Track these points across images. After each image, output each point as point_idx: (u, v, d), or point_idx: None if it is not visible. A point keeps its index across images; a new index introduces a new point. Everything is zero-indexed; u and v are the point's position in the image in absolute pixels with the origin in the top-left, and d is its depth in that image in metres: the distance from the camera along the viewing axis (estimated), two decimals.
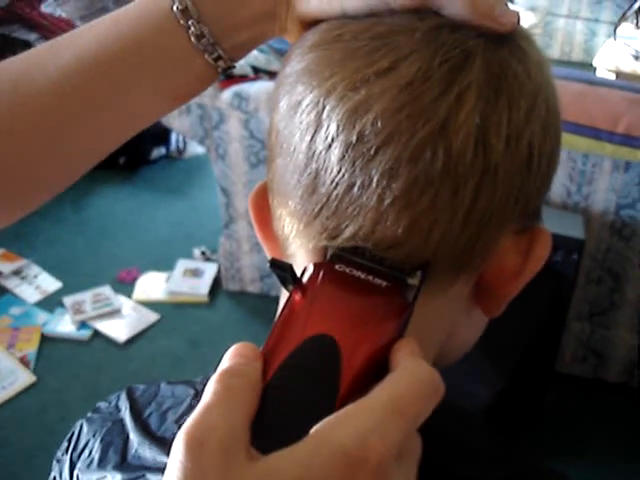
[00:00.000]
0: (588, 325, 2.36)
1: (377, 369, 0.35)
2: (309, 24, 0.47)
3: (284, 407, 0.34)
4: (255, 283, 2.81)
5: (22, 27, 3.47)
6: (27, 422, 2.29)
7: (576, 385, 2.42)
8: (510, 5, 0.46)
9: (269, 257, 0.51)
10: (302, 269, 0.41)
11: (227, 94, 2.40)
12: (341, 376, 0.34)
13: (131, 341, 2.60)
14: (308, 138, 0.42)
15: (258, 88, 2.41)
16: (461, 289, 0.45)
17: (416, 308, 0.41)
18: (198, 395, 0.51)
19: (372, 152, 0.40)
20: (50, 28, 3.46)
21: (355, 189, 0.40)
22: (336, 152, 0.41)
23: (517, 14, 0.43)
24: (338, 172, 0.41)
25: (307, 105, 0.42)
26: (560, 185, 2.14)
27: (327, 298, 0.38)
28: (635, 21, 4.03)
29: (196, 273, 2.94)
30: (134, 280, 2.90)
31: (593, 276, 2.27)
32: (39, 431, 2.25)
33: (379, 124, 0.39)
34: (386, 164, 0.39)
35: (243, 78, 2.49)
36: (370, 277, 0.39)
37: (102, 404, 0.56)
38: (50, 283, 2.87)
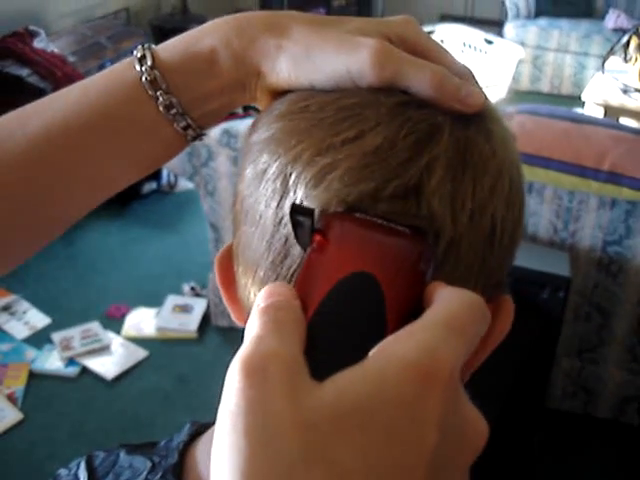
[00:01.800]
0: (577, 361, 2.36)
1: (415, 309, 0.35)
2: (278, 94, 0.47)
3: (334, 340, 0.33)
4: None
5: (14, 62, 3.49)
6: (14, 460, 2.27)
7: (566, 421, 2.41)
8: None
9: (234, 320, 0.51)
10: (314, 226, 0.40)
11: (216, 131, 2.42)
12: (386, 311, 0.34)
13: (119, 378, 2.59)
14: (274, 205, 0.42)
15: (247, 125, 2.41)
16: None
17: None
18: (155, 467, 0.50)
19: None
20: (42, 63, 3.48)
21: None
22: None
23: (483, 95, 0.44)
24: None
25: (273, 173, 0.42)
26: (547, 222, 2.15)
27: (356, 239, 0.37)
28: (623, 55, 4.08)
29: (185, 309, 2.93)
30: (123, 316, 2.90)
31: (581, 312, 2.27)
32: (26, 469, 2.23)
33: (346, 179, 0.39)
34: None
35: (232, 115, 2.50)
36: (392, 224, 0.38)
37: (63, 471, 0.55)
38: (39, 319, 2.86)
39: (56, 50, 3.66)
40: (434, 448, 0.30)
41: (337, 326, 0.34)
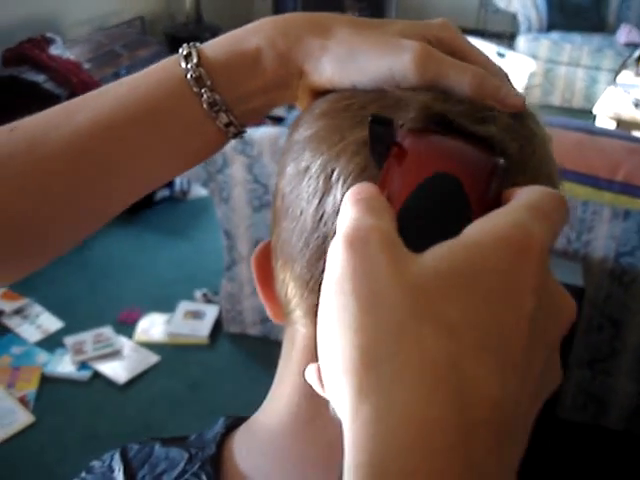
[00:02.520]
0: (589, 372, 2.36)
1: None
2: (319, 93, 0.48)
3: (424, 227, 0.35)
4: (256, 326, 2.82)
5: (31, 68, 3.52)
6: (25, 463, 2.28)
7: (577, 431, 2.40)
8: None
9: (270, 317, 0.51)
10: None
11: None
12: (471, 207, 0.36)
13: (131, 383, 2.60)
14: (316, 202, 0.43)
15: (262, 133, 2.44)
16: None
17: None
18: (192, 459, 0.50)
19: None
20: (58, 70, 3.51)
21: None
22: None
23: (523, 97, 0.45)
24: None
25: (315, 170, 0.43)
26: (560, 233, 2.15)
27: (434, 147, 0.39)
28: (635, 69, 4.09)
29: (197, 315, 2.94)
30: (135, 321, 2.91)
31: (593, 323, 2.27)
32: (37, 472, 2.24)
33: None
34: None
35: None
36: (463, 138, 0.40)
37: (96, 463, 0.56)
38: (51, 323, 2.88)
39: (72, 57, 3.69)
40: (531, 312, 0.31)
41: (426, 218, 0.35)
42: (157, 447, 0.53)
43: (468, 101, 0.43)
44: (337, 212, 0.41)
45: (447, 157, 0.38)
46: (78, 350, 2.70)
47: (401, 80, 0.45)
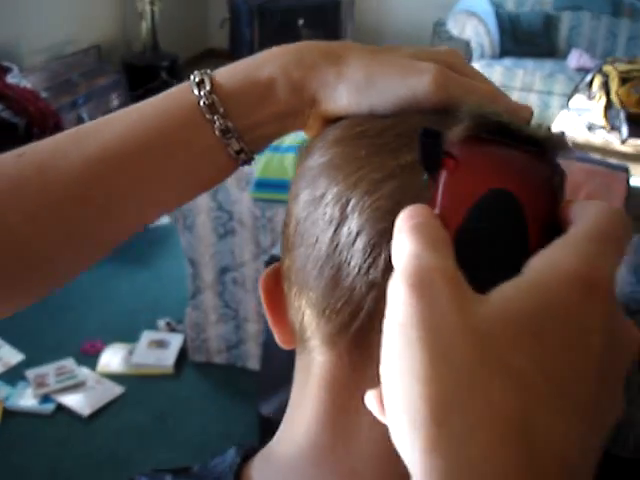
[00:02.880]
0: None
1: (552, 225, 0.36)
2: (330, 120, 0.48)
3: (483, 255, 0.34)
4: (221, 354, 2.80)
5: None
6: None
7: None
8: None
9: (279, 343, 0.51)
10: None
11: None
12: (528, 226, 0.35)
13: (96, 415, 2.55)
14: (331, 230, 0.42)
15: None
16: None
17: None
18: None
19: None
20: (16, 99, 3.47)
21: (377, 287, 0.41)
22: (360, 246, 0.41)
23: (530, 109, 0.46)
24: (360, 268, 0.41)
25: (331, 198, 0.43)
26: None
27: (488, 159, 0.38)
28: (587, 93, 4.19)
29: (161, 344, 2.91)
30: (98, 352, 2.86)
31: None
32: None
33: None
34: None
35: None
36: (517, 144, 0.39)
37: None
38: (12, 355, 2.82)
39: (29, 86, 3.65)
40: (601, 353, 0.31)
41: (483, 242, 0.35)
42: (169, 478, 0.52)
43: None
44: (352, 242, 0.41)
45: (502, 170, 0.37)
46: (40, 383, 2.65)
47: (422, 101, 0.45)
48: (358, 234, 0.41)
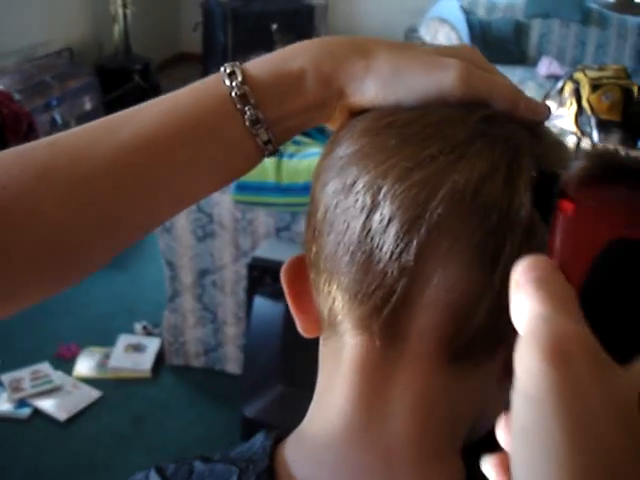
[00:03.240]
0: None
1: None
2: (354, 112, 0.50)
3: (616, 316, 0.31)
4: (199, 357, 2.78)
5: None
6: None
7: None
8: None
9: (300, 331, 0.52)
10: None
11: None
12: None
13: (72, 419, 2.53)
14: (363, 217, 0.44)
15: None
16: (494, 367, 0.46)
17: (452, 386, 0.44)
18: (244, 472, 0.49)
19: (430, 234, 0.42)
20: None
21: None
22: (392, 232, 0.43)
23: (549, 107, 0.48)
24: (392, 253, 0.43)
25: (362, 186, 0.44)
26: None
27: (612, 201, 0.34)
28: (558, 100, 4.24)
29: (138, 348, 2.89)
30: (74, 356, 2.84)
31: None
32: None
33: (439, 209, 0.42)
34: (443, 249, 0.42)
35: None
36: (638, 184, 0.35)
37: None
38: None
39: (1, 88, 3.61)
40: None
41: (612, 298, 0.32)
42: (198, 464, 0.52)
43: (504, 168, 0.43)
44: (385, 228, 0.43)
45: (628, 214, 0.34)
46: (16, 388, 2.61)
47: (448, 95, 0.47)
48: (390, 220, 0.43)
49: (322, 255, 0.47)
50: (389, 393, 0.46)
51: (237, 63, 0.50)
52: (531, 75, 5.48)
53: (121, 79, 5.00)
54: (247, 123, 0.49)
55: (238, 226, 2.47)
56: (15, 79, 3.88)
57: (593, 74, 4.13)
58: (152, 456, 2.39)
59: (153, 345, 2.89)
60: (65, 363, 2.80)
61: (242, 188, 2.34)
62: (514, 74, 5.47)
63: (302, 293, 0.51)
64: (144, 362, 2.81)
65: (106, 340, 2.92)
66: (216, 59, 5.63)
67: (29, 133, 3.49)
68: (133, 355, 2.84)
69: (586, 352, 0.28)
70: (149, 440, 2.47)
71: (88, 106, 4.38)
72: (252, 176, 2.34)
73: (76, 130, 0.50)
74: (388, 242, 0.43)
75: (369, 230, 0.43)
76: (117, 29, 5.32)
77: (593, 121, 3.96)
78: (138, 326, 3.00)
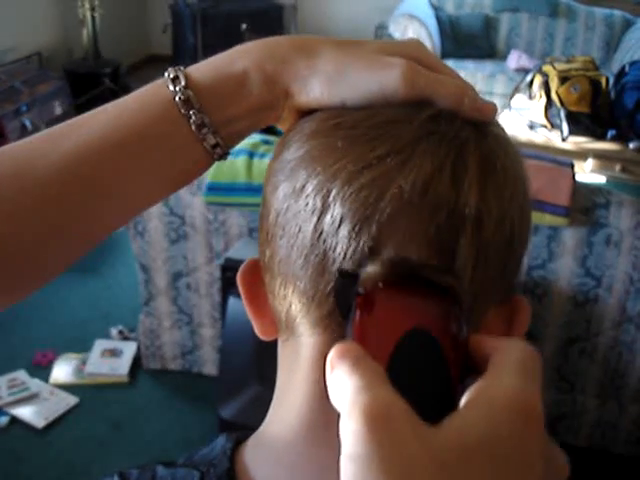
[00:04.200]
0: None
1: (464, 358, 0.39)
2: (303, 113, 0.50)
3: (416, 390, 0.36)
4: (176, 360, 2.78)
5: None
6: None
7: None
8: None
9: (258, 334, 0.52)
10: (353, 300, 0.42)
11: None
12: (448, 362, 0.38)
13: (50, 426, 2.52)
14: (314, 220, 0.44)
15: None
16: None
17: None
18: (205, 476, 0.50)
19: (379, 232, 0.42)
20: None
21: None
22: (344, 233, 0.43)
23: (495, 105, 0.48)
24: (346, 254, 0.43)
25: (312, 189, 0.44)
26: None
27: (405, 301, 0.41)
28: (528, 92, 4.28)
29: (114, 353, 2.88)
30: (50, 363, 2.82)
31: None
32: None
33: (388, 210, 0.42)
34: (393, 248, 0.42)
35: None
36: (429, 286, 0.42)
37: None
38: None
39: None
40: (542, 476, 0.34)
41: (412, 379, 0.37)
42: (160, 469, 0.52)
43: (449, 170, 0.44)
44: (336, 229, 0.43)
45: (418, 312, 0.40)
46: None
47: (391, 95, 0.47)
48: (341, 221, 0.43)
49: (276, 259, 0.47)
50: None
51: (181, 68, 0.50)
52: (501, 69, 5.52)
53: (91, 83, 4.98)
54: (193, 128, 0.49)
55: (210, 227, 2.47)
56: None
57: (561, 66, 4.18)
58: (132, 460, 2.38)
59: (129, 349, 2.88)
60: (42, 370, 2.78)
61: (213, 189, 2.34)
62: (484, 68, 5.51)
63: (258, 296, 0.51)
64: (121, 367, 2.80)
65: (82, 346, 2.91)
66: (186, 60, 5.61)
67: None
68: (110, 360, 2.83)
69: (403, 413, 0.32)
70: (128, 445, 2.47)
71: (58, 111, 4.35)
72: (223, 177, 2.34)
73: (21, 142, 0.49)
74: (341, 243, 0.43)
75: (321, 232, 0.44)
76: (86, 33, 5.29)
77: (562, 113, 4.00)
78: (114, 331, 2.99)
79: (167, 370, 2.80)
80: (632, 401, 2.41)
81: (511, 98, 4.35)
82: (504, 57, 5.71)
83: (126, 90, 4.99)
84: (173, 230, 2.51)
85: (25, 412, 2.56)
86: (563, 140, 3.93)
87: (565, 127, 3.95)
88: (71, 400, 2.64)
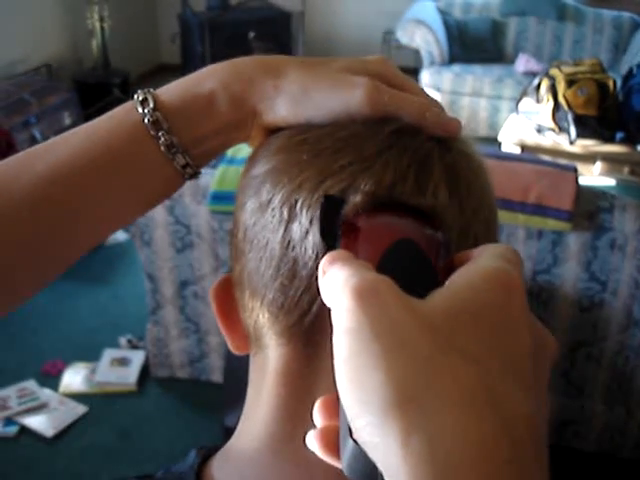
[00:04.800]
0: None
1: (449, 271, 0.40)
2: (271, 131, 0.51)
3: (401, 282, 0.36)
4: (184, 368, 2.79)
5: None
6: None
7: None
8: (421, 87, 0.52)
9: (232, 349, 0.53)
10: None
11: None
12: (435, 266, 0.40)
13: (60, 435, 2.53)
14: (282, 230, 0.45)
15: None
16: None
17: None
18: None
19: None
20: None
21: None
22: (314, 239, 0.43)
23: (459, 122, 0.49)
24: (317, 257, 0.43)
25: (279, 202, 0.45)
26: None
27: (385, 220, 0.43)
28: (535, 96, 4.27)
29: (123, 362, 2.89)
30: (59, 372, 2.84)
31: None
32: None
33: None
34: None
35: None
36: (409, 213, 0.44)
37: None
38: None
39: None
40: (530, 343, 0.34)
41: (399, 276, 0.37)
42: None
43: (413, 175, 0.45)
44: (305, 235, 0.44)
45: (402, 229, 0.42)
46: (2, 406, 2.62)
47: (355, 113, 0.48)
48: (310, 225, 0.44)
49: (245, 273, 0.48)
50: (313, 401, 0.44)
51: (150, 90, 0.51)
52: (509, 73, 5.51)
53: (100, 93, 5.01)
54: (162, 148, 0.50)
55: (216, 236, 2.48)
56: None
57: (568, 69, 4.17)
58: (140, 469, 2.38)
59: (138, 358, 2.90)
60: (51, 379, 2.80)
61: (217, 198, 2.35)
62: (492, 72, 5.51)
63: (230, 312, 0.51)
64: (129, 375, 2.82)
65: (91, 355, 2.93)
66: (195, 69, 5.61)
67: (8, 151, 3.49)
68: (118, 369, 2.85)
69: (390, 287, 0.34)
70: (137, 454, 2.48)
71: (68, 122, 4.38)
72: (227, 186, 2.36)
73: (3, 161, 0.50)
74: (310, 247, 0.44)
75: (289, 241, 0.44)
76: (95, 43, 5.33)
77: (570, 116, 4.00)
78: (123, 340, 3.01)
79: (175, 378, 2.81)
80: (639, 406, 2.40)
81: (519, 102, 4.34)
82: (512, 61, 5.70)
83: None
84: (179, 239, 2.52)
85: (34, 421, 2.58)
86: (571, 143, 3.93)
87: (573, 130, 3.94)
88: (80, 409, 2.66)
